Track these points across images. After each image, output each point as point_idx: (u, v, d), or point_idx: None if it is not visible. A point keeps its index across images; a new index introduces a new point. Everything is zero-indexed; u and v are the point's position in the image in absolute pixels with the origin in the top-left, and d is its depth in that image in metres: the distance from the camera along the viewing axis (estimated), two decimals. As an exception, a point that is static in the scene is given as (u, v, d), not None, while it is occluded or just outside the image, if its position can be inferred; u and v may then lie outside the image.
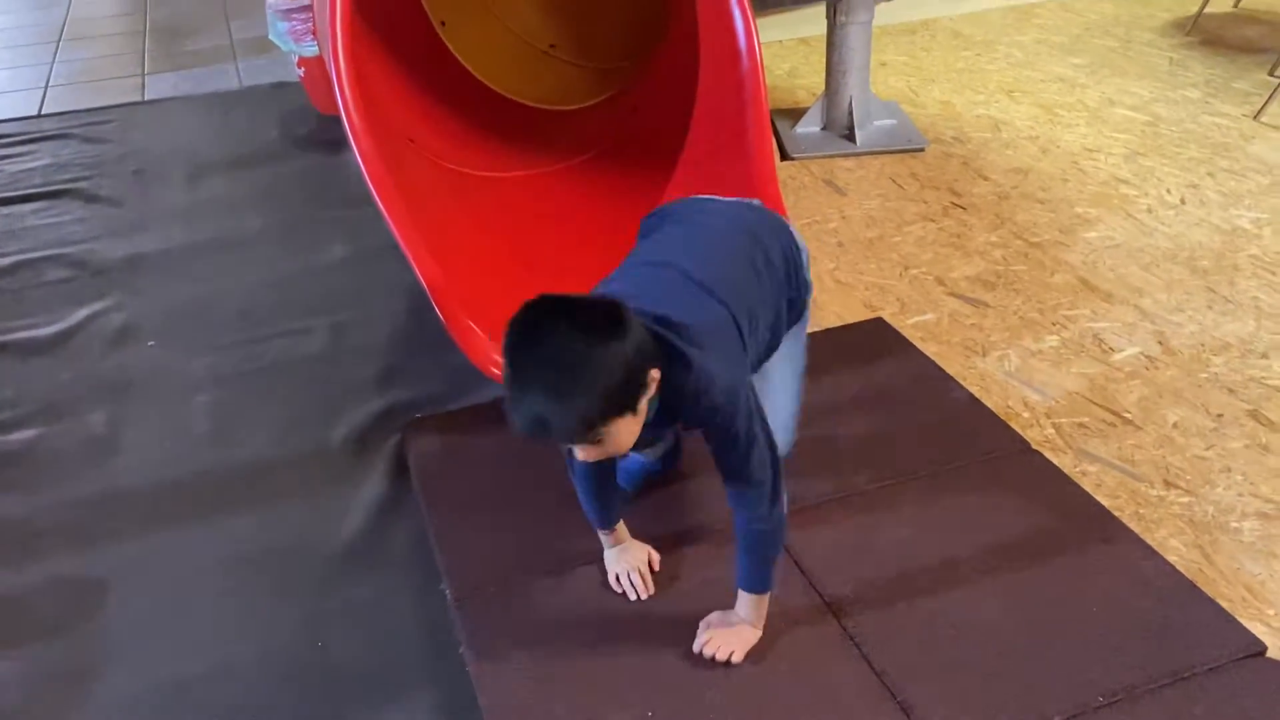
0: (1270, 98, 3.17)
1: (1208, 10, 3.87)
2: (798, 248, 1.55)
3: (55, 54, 4.48)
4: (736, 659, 1.48)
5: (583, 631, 1.56)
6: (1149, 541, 1.66)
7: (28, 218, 3.01)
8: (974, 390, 2.03)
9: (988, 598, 1.57)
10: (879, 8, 3.04)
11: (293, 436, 2.07)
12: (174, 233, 2.89)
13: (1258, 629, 1.51)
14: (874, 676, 1.46)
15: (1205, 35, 3.82)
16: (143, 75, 4.16)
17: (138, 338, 2.43)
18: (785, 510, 1.42)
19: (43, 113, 3.80)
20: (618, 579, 1.61)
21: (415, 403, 2.12)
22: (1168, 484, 1.81)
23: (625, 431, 1.25)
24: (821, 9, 3.10)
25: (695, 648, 1.50)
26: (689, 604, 1.57)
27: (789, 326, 1.55)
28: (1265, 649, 1.48)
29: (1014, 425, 1.93)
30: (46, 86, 4.08)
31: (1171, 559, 1.63)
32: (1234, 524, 1.73)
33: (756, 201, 1.66)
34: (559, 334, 1.19)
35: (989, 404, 1.99)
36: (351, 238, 2.77)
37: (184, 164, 3.30)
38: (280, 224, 2.91)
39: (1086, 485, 1.79)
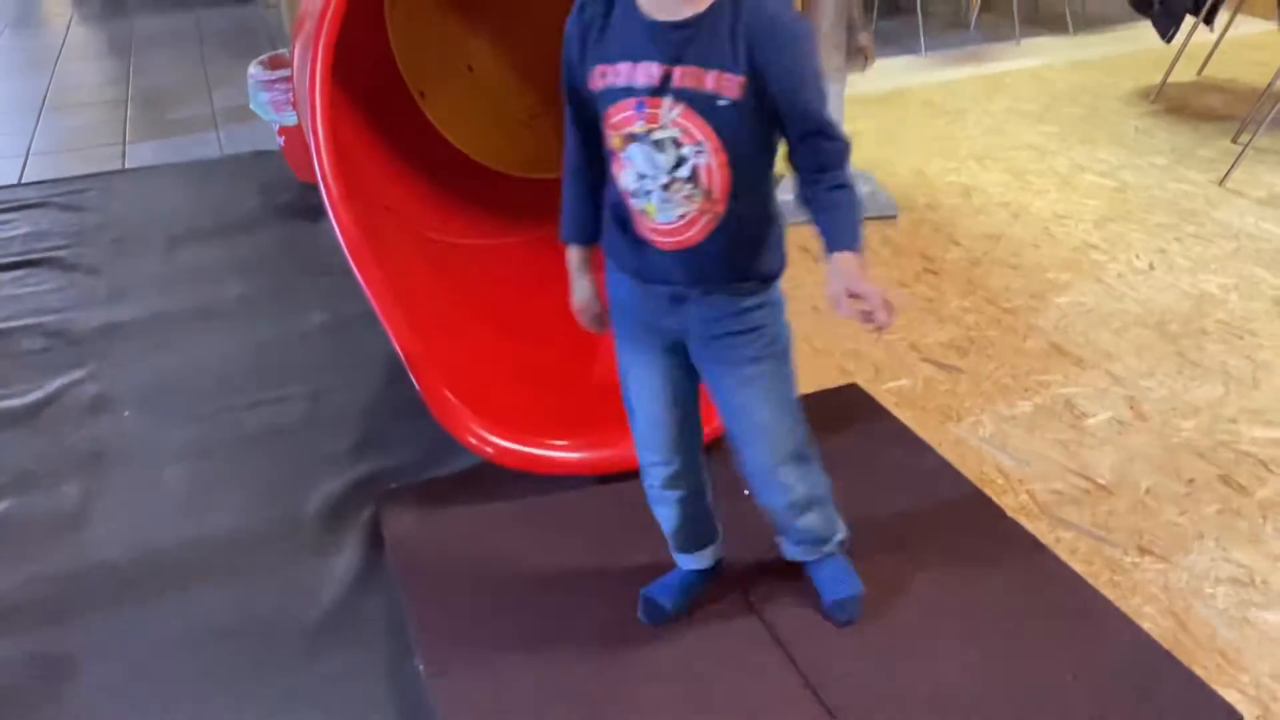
0: (1234, 164, 3.24)
1: (1171, 80, 3.97)
2: None
3: (38, 122, 4.51)
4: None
5: (560, 709, 1.54)
6: (1123, 609, 1.66)
7: (5, 287, 3.01)
8: (949, 456, 2.04)
9: (961, 666, 1.56)
10: (850, 78, 3.11)
11: (267, 508, 2.06)
12: (152, 301, 2.89)
13: (1233, 696, 1.52)
14: (851, 749, 1.45)
15: (1170, 103, 3.91)
16: (124, 143, 4.19)
17: (113, 408, 2.42)
18: None
19: (23, 181, 3.82)
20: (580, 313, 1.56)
21: (391, 472, 2.11)
22: (1141, 550, 1.82)
23: None
24: (795, 80, 3.16)
25: (880, 320, 1.30)
26: (672, 685, 1.56)
27: None
28: (1241, 717, 1.48)
29: (989, 492, 1.94)
30: (28, 154, 4.11)
31: (1146, 626, 1.63)
32: (1208, 590, 1.73)
33: None
34: None
35: (964, 471, 2.00)
36: (331, 305, 2.78)
37: (163, 232, 3.31)
38: (259, 292, 2.92)
39: (1060, 552, 1.80)
